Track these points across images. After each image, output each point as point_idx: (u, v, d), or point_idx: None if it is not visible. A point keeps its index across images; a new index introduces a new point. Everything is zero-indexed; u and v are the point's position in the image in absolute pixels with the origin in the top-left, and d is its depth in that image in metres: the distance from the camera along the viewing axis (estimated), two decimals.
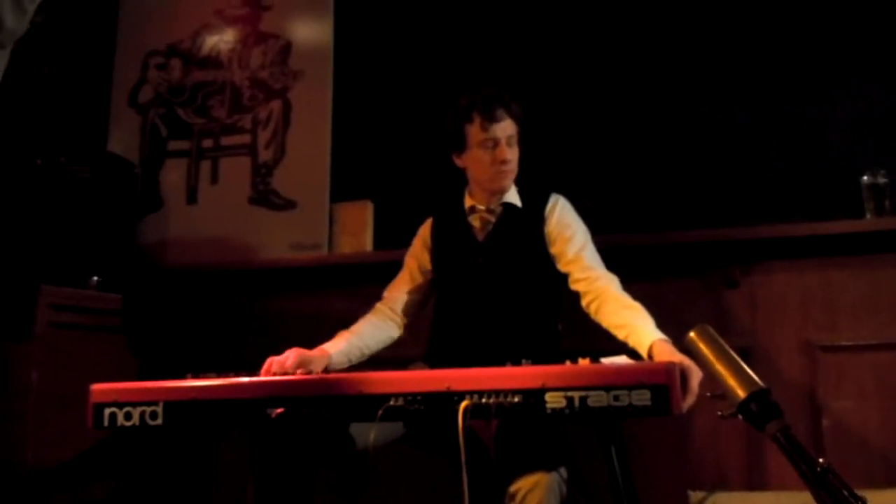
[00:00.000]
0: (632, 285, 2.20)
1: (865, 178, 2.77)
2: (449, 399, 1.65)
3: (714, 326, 1.67)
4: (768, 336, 2.79)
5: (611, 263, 2.29)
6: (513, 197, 2.42)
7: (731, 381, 1.44)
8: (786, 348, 2.77)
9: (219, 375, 1.93)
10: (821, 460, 1.29)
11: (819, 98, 2.95)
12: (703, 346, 1.55)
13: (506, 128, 2.32)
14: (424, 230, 2.56)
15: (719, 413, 1.47)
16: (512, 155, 2.35)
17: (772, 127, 2.99)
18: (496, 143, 2.31)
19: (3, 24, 1.31)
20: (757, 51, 3.04)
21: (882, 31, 2.92)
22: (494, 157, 2.32)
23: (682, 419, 2.55)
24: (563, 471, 2.03)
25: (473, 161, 2.38)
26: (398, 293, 2.50)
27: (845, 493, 1.23)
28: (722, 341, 1.55)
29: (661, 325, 2.00)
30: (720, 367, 1.48)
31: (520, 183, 2.43)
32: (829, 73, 2.96)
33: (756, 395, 1.41)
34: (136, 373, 2.94)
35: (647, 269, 2.82)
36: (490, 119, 2.30)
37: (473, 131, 2.33)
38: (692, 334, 1.58)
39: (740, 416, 1.44)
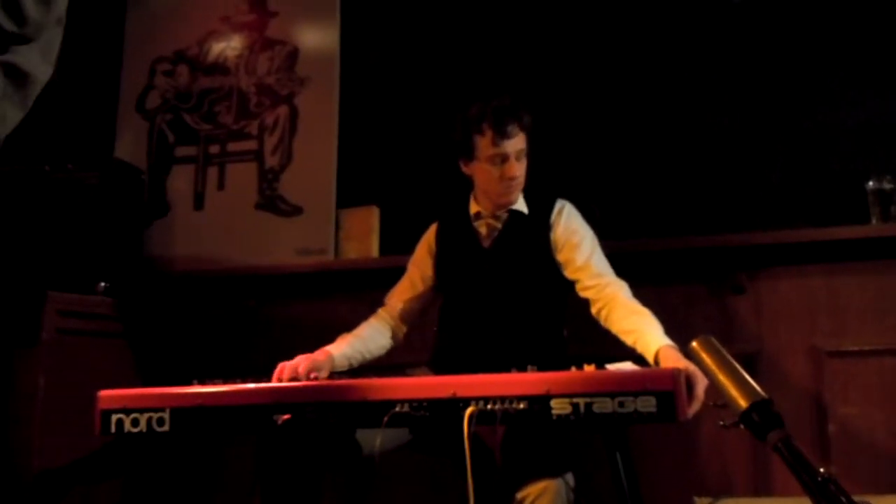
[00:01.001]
0: (638, 291, 2.21)
1: (871, 183, 2.76)
2: (454, 405, 1.66)
3: (720, 332, 1.68)
4: (774, 341, 2.78)
5: (617, 269, 2.30)
6: (519, 203, 2.42)
7: (733, 391, 1.43)
8: (792, 354, 2.76)
9: (225, 381, 1.94)
10: (822, 470, 1.29)
11: (825, 104, 2.94)
12: (705, 356, 1.55)
13: (516, 143, 2.29)
14: (430, 235, 2.57)
15: (721, 422, 1.47)
16: (520, 170, 2.33)
17: (777, 133, 2.98)
18: (505, 158, 2.29)
19: (27, 15, 1.31)
20: (763, 57, 3.03)
21: (888, 38, 2.91)
22: (503, 174, 2.31)
23: (688, 425, 2.53)
24: (569, 477, 2.04)
25: (481, 172, 2.37)
26: (399, 300, 2.52)
27: (845, 501, 1.23)
28: (724, 351, 1.54)
29: (667, 330, 2.01)
30: (722, 377, 1.48)
31: (526, 189, 2.42)
32: (835, 78, 2.95)
33: (758, 405, 1.41)
34: (142, 379, 2.95)
35: (653, 275, 2.81)
36: (501, 135, 2.27)
37: (483, 144, 2.31)
38: (694, 344, 1.58)
39: (742, 426, 1.44)
